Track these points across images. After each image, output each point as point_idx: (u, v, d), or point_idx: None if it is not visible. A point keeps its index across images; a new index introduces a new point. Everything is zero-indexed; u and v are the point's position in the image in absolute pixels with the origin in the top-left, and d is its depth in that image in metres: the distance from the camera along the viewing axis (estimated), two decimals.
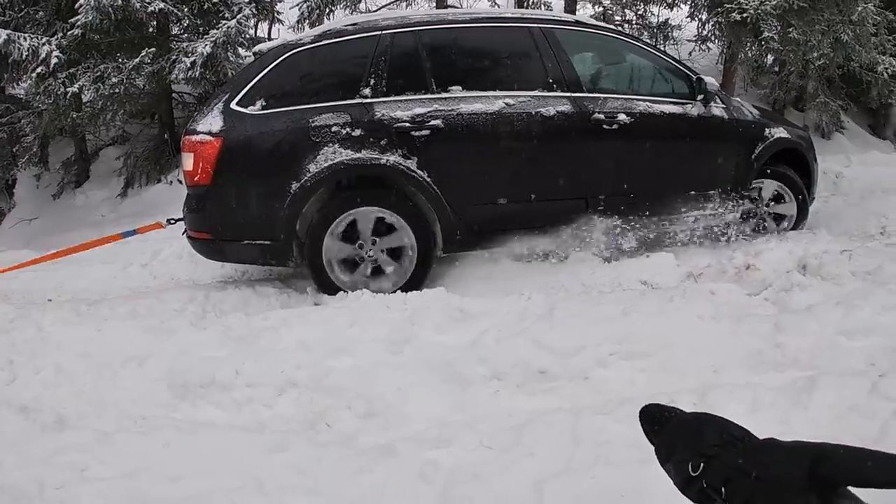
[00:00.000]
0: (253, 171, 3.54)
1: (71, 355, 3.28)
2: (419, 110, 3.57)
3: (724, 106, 4.26)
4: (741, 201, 4.30)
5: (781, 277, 3.19)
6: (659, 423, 1.17)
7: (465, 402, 2.33)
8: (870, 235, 4.40)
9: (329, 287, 3.56)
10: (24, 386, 3.17)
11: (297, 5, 9.02)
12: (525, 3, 8.05)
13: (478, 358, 2.45)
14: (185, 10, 8.54)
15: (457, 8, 8.59)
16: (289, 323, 2.96)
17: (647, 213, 3.98)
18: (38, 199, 10.71)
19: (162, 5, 7.96)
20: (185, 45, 7.63)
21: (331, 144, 3.49)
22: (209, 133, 3.50)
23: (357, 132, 3.51)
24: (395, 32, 3.70)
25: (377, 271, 3.60)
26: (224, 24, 7.15)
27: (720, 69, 8.08)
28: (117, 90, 7.42)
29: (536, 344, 2.46)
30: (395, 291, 3.46)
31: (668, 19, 8.49)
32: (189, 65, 6.86)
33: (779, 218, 4.51)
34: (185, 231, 3.89)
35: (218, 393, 2.61)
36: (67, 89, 7.99)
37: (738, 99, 4.78)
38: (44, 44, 7.99)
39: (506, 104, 3.67)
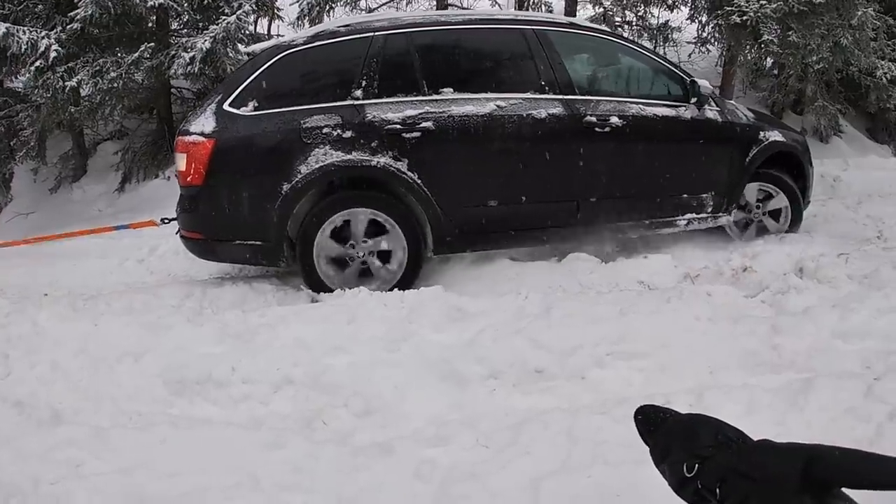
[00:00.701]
0: (245, 172, 3.56)
1: (67, 351, 3.27)
2: (410, 112, 3.58)
3: (718, 109, 4.26)
4: (734, 204, 4.31)
5: (778, 280, 3.20)
6: (654, 423, 1.18)
7: (463, 401, 2.33)
8: (866, 239, 4.42)
9: (319, 286, 3.58)
10: (19, 381, 3.16)
11: (297, 2, 9.01)
12: (525, 5, 8.03)
13: (475, 357, 2.45)
14: (185, 5, 8.54)
15: (455, 8, 8.60)
16: (286, 320, 2.95)
17: (640, 215, 4.04)
18: (35, 193, 10.68)
19: (162, 0, 7.96)
20: (184, 40, 7.62)
21: (322, 146, 3.50)
22: (202, 134, 3.53)
23: (348, 134, 3.52)
24: (387, 34, 3.71)
25: (367, 272, 3.63)
26: (224, 20, 7.13)
27: (719, 71, 8.09)
28: (116, 85, 7.40)
29: (533, 343, 2.46)
30: (398, 284, 3.53)
31: (668, 21, 8.48)
32: (188, 60, 6.83)
33: (775, 214, 4.51)
34: (179, 231, 3.91)
35: (214, 389, 2.61)
36: (66, 83, 7.96)
37: (732, 102, 4.79)
38: (43, 37, 7.96)
39: (497, 106, 3.68)
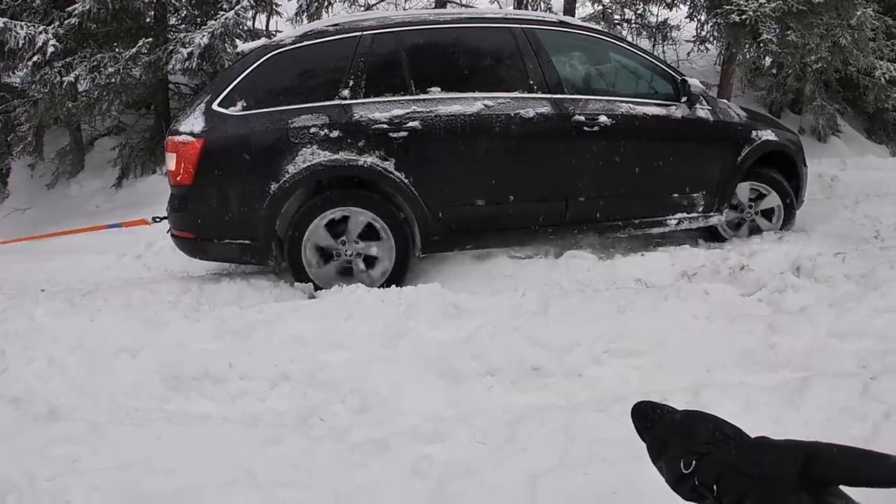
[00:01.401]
0: (233, 171, 3.57)
1: (64, 346, 3.26)
2: (397, 112, 3.59)
3: (709, 108, 4.23)
4: (726, 204, 4.30)
5: (775, 279, 3.20)
6: (651, 420, 1.18)
7: (460, 398, 2.33)
8: (864, 239, 4.42)
9: (304, 279, 3.62)
10: (15, 377, 3.14)
11: None
12: (524, 3, 8.02)
13: (472, 354, 2.45)
14: (183, 0, 8.52)
15: (452, 7, 8.59)
16: (283, 316, 2.94)
17: (629, 215, 4.04)
18: (32, 189, 10.65)
19: None
20: (182, 35, 7.59)
21: (309, 146, 3.52)
22: (191, 134, 3.55)
23: (335, 133, 3.53)
24: (375, 34, 3.72)
25: (349, 270, 3.64)
26: (222, 16, 7.11)
27: (718, 70, 8.10)
28: (113, 80, 7.37)
29: (531, 340, 2.46)
30: (388, 281, 3.55)
31: (667, 19, 8.48)
32: (186, 56, 6.80)
33: (768, 213, 4.50)
34: (169, 230, 3.92)
35: (211, 385, 2.60)
36: (63, 78, 7.93)
37: (724, 101, 4.77)
38: (40, 32, 7.93)
39: (485, 105, 3.68)
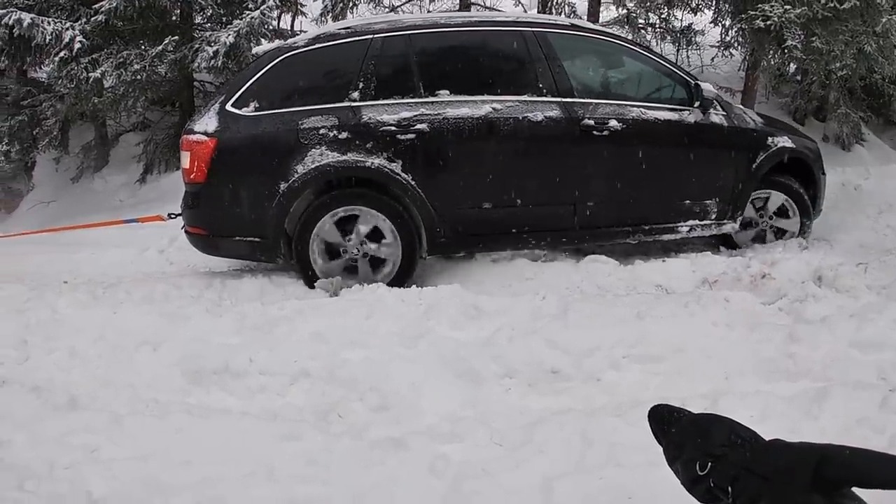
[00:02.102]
0: (245, 170, 3.65)
1: (85, 338, 3.31)
2: (405, 114, 3.62)
3: (724, 113, 4.16)
4: (739, 211, 4.23)
5: (796, 288, 3.17)
6: (668, 423, 1.19)
7: (478, 399, 2.34)
8: (886, 249, 4.35)
9: (311, 276, 3.66)
10: (36, 366, 3.20)
11: None
12: (549, 6, 8.01)
13: (491, 355, 2.46)
14: None
15: (477, 9, 8.60)
16: (304, 313, 2.97)
17: (640, 220, 4.01)
18: (56, 183, 10.82)
19: None
20: (207, 34, 7.67)
21: (318, 146, 3.57)
22: (205, 133, 3.64)
23: (344, 135, 3.58)
24: (385, 37, 3.74)
25: (354, 269, 3.70)
26: (248, 15, 7.17)
27: (742, 76, 8.03)
28: (139, 77, 7.47)
29: (550, 344, 2.47)
30: (393, 281, 3.58)
31: (691, 24, 8.40)
32: (212, 54, 6.86)
33: (780, 232, 4.43)
34: (183, 226, 4.00)
35: (231, 380, 2.63)
36: (89, 74, 8.04)
37: (740, 106, 4.70)
38: (67, 28, 8.04)
39: (493, 109, 3.69)
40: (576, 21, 4.92)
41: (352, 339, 2.71)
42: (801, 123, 7.56)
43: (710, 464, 1.03)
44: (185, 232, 3.98)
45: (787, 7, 6.20)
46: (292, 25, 9.37)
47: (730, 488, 0.98)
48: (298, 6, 9.27)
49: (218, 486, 2.09)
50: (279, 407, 2.46)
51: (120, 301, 3.64)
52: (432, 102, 3.67)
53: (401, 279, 3.61)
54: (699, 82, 4.08)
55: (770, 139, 4.26)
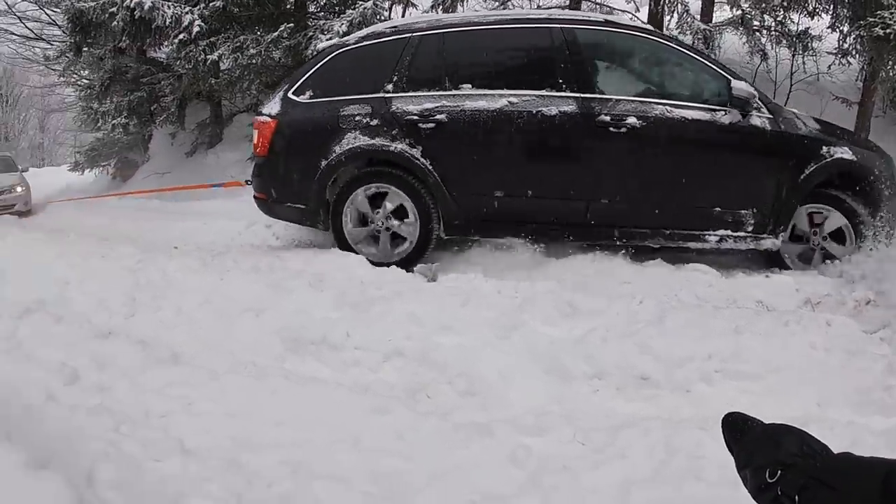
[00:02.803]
0: (296, 148, 4.18)
1: (191, 300, 3.53)
2: (428, 105, 3.94)
3: (769, 116, 3.82)
4: (782, 226, 3.85)
5: None
6: (740, 430, 1.20)
7: (564, 396, 2.34)
8: None
9: (346, 249, 4.09)
10: (143, 322, 3.45)
11: None
12: (661, 5, 7.79)
13: (583, 355, 2.45)
14: None
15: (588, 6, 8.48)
16: (402, 296, 3.06)
17: (658, 223, 3.85)
18: (171, 156, 11.58)
19: None
20: (321, 22, 7.95)
21: (353, 131, 4.02)
22: (269, 115, 4.22)
23: (374, 122, 4.00)
24: (423, 34, 4.09)
25: (376, 239, 4.11)
26: (361, 5, 7.38)
27: (859, 87, 7.55)
28: (254, 61, 7.82)
29: (643, 349, 2.44)
30: (398, 262, 3.92)
31: (808, 28, 7.97)
32: (325, 42, 7.12)
33: (830, 256, 3.94)
34: (253, 192, 4.53)
35: (328, 352, 2.75)
36: (207, 57, 8.50)
37: (794, 110, 4.15)
38: (186, 12, 8.54)
39: (509, 102, 3.85)
40: (612, 17, 4.70)
41: (446, 324, 2.77)
42: None
43: (779, 472, 1.04)
44: (254, 197, 4.50)
45: None
46: (403, 16, 9.56)
47: (797, 497, 0.98)
48: None
49: (305, 449, 2.19)
50: (371, 381, 2.56)
51: (227, 269, 3.86)
52: (453, 95, 3.94)
53: (416, 256, 3.97)
54: (733, 80, 3.81)
55: (825, 148, 3.83)
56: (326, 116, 4.10)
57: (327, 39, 6.96)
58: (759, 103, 3.80)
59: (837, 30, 7.62)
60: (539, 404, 2.30)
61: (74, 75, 15.21)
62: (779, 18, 7.98)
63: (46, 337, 3.37)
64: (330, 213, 4.11)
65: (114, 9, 9.01)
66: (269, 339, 2.92)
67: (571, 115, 3.79)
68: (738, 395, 2.45)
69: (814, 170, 3.79)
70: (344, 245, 4.11)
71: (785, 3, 7.65)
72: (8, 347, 3.34)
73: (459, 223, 4.02)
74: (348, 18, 7.26)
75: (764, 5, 7.76)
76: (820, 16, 7.82)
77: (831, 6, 7.52)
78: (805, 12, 7.80)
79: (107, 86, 11.65)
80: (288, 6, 9.03)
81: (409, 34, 4.12)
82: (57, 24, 15.71)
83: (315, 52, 4.73)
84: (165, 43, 9.77)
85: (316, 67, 4.31)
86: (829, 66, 7.77)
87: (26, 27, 17.55)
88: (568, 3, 8.68)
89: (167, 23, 8.60)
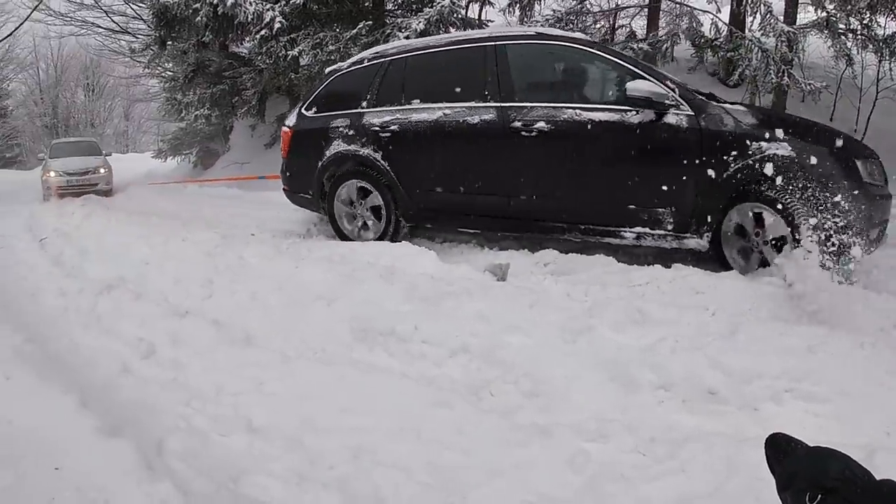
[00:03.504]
0: (304, 151, 5.35)
1: (266, 286, 3.69)
2: (387, 118, 4.83)
3: (690, 114, 3.69)
4: (706, 226, 3.71)
5: None
6: (783, 451, 1.19)
7: (628, 405, 2.32)
8: None
9: (339, 233, 5.20)
10: (219, 304, 3.63)
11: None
12: (744, 6, 7.56)
13: (650, 364, 2.42)
14: None
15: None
16: (471, 293, 3.10)
17: (574, 218, 4.10)
18: (250, 147, 12.01)
19: None
20: (399, 20, 8.08)
21: (337, 139, 5.08)
22: (288, 126, 5.52)
23: (351, 132, 5.01)
24: (392, 59, 4.95)
25: (364, 225, 5.10)
26: (438, 4, 7.46)
27: None
28: (333, 57, 8.02)
29: (712, 363, 2.39)
30: (377, 240, 4.77)
31: (895, 33, 7.58)
32: (403, 39, 7.23)
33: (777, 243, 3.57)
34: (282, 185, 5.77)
35: (395, 343, 2.82)
36: (287, 52, 8.79)
37: (728, 106, 3.82)
38: (268, 9, 8.83)
39: (443, 114, 4.53)
40: (542, 29, 4.79)
41: (513, 324, 2.78)
42: None
43: (820, 496, 1.03)
44: (283, 189, 5.74)
45: None
46: (479, 15, 9.62)
47: None
48: None
49: (367, 435, 2.26)
50: (435, 376, 2.61)
51: (301, 258, 4.01)
52: (405, 109, 4.75)
53: (388, 234, 4.91)
54: (629, 81, 3.78)
55: (754, 145, 3.56)
56: (322, 128, 5.19)
57: (405, 37, 7.13)
58: (679, 100, 3.74)
59: None
60: (602, 411, 2.29)
61: (159, 68, 15.89)
62: (865, 21, 7.60)
63: (125, 313, 3.63)
64: (326, 200, 5.22)
65: (197, 4, 9.39)
66: (338, 327, 3.03)
67: (490, 123, 4.30)
68: (805, 417, 2.37)
69: (738, 167, 3.59)
70: (335, 225, 5.24)
71: (872, 5, 7.28)
72: (88, 321, 3.58)
73: (413, 213, 4.83)
74: (426, 17, 7.36)
75: (849, 7, 7.41)
76: None
77: None
78: (893, 15, 7.42)
79: (190, 78, 12.17)
80: (366, 4, 9.19)
81: (383, 59, 5.02)
82: (142, 19, 16.47)
83: (325, 74, 5.64)
84: (247, 38, 10.13)
85: (321, 88, 5.43)
86: None
87: (112, 21, 18.52)
88: (648, 2, 8.54)
89: (249, 19, 8.93)
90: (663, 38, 8.26)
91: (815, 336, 2.54)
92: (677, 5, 8.78)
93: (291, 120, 5.50)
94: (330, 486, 2.02)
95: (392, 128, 4.77)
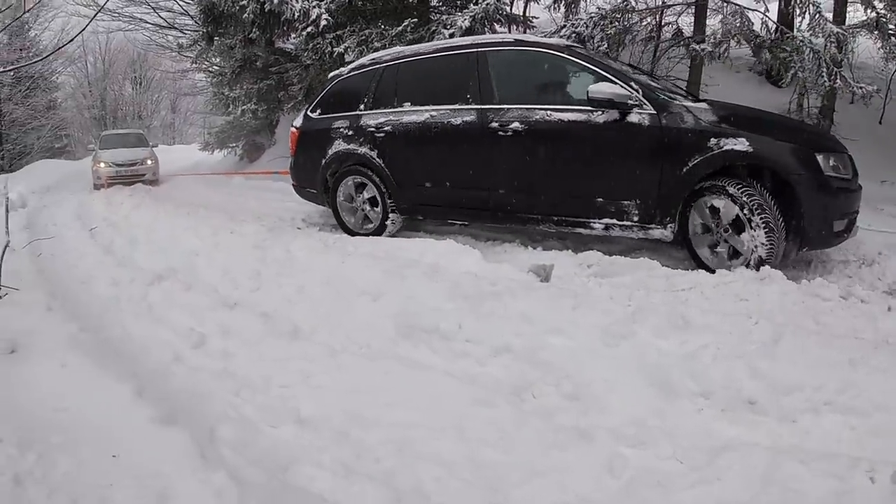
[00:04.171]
0: (309, 150, 5.86)
1: (313, 279, 3.79)
2: (381, 119, 5.29)
3: (652, 113, 3.97)
4: (669, 217, 3.98)
5: None
6: None
7: (667, 411, 2.35)
8: None
9: (343, 226, 5.68)
10: (266, 296, 3.73)
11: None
12: (792, 5, 7.39)
13: (690, 371, 2.44)
14: None
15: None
16: (515, 293, 3.14)
17: (548, 211, 4.42)
18: None
19: None
20: (444, 17, 8.09)
21: (338, 139, 5.56)
22: (296, 127, 6.07)
23: (350, 132, 5.48)
24: (386, 65, 5.42)
25: (366, 218, 5.57)
26: (483, 1, 7.44)
27: None
28: None
29: (753, 373, 2.40)
30: (375, 231, 5.37)
31: None
32: (448, 36, 7.23)
33: (734, 252, 3.84)
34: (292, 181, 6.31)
35: (438, 341, 2.89)
36: (333, 49, 8.86)
37: (689, 104, 4.07)
38: (314, 6, 8.90)
39: (430, 115, 4.95)
40: (520, 36, 5.26)
41: (556, 326, 2.82)
42: None
43: None
44: (292, 185, 6.27)
45: None
46: (524, 11, 9.58)
47: None
48: None
49: (411, 430, 2.33)
50: (478, 374, 2.67)
51: (348, 253, 4.10)
52: (397, 111, 5.21)
53: (383, 226, 5.36)
54: (591, 84, 4.08)
55: (713, 140, 3.78)
56: (325, 129, 5.68)
57: (449, 35, 7.17)
58: (642, 100, 4.00)
59: None
60: (641, 416, 2.32)
61: (206, 62, 16.17)
62: None
63: (176, 303, 3.77)
64: (329, 194, 5.69)
65: (244, 1, 9.50)
66: (383, 322, 3.11)
67: (471, 123, 4.70)
68: (843, 431, 2.35)
69: (697, 162, 3.82)
70: (338, 217, 5.70)
71: None
72: (139, 311, 3.73)
73: (406, 206, 5.24)
74: (471, 14, 7.34)
75: None
76: None
77: None
78: None
79: (237, 73, 12.34)
80: (411, 1, 9.23)
81: (379, 65, 5.47)
82: (189, 15, 16.77)
83: (329, 78, 6.12)
84: (293, 34, 10.24)
85: (325, 91, 5.95)
86: None
87: (160, 17, 18.94)
88: (695, 1, 8.40)
89: (295, 16, 9.01)
90: (717, 37, 8.09)
91: (859, 349, 2.53)
92: (725, 3, 8.61)
93: (299, 121, 6.08)
94: (376, 478, 2.10)
95: (386, 128, 5.22)
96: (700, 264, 3.98)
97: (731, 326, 2.66)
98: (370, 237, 5.16)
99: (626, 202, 4.12)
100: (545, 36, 6.45)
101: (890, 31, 7.29)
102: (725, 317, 2.78)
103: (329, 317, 3.35)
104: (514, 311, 2.97)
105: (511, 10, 9.02)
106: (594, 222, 4.26)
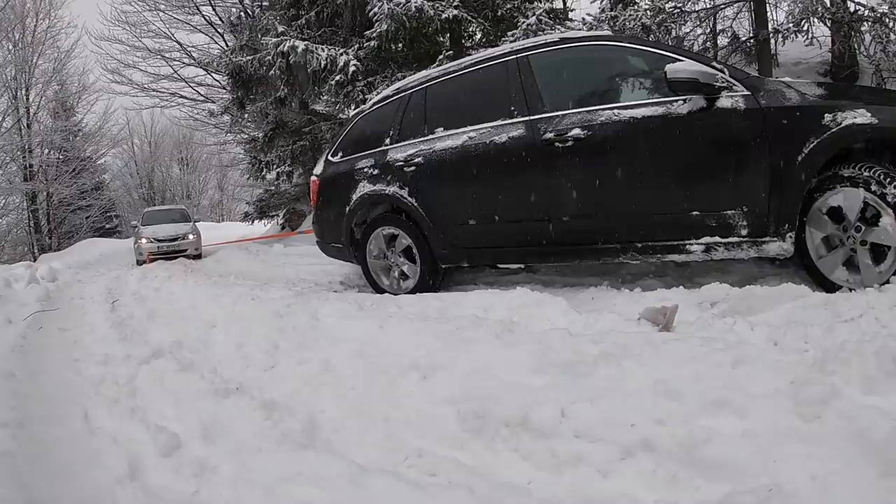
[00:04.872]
0: (331, 198, 5.14)
1: (343, 351, 2.89)
2: (410, 151, 4.50)
3: (745, 94, 3.20)
4: (788, 224, 3.11)
5: None
6: None
7: None
8: None
9: (376, 288, 4.81)
10: (280, 377, 2.87)
11: (588, 15, 8.56)
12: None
13: None
14: (478, 17, 8.57)
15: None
16: (634, 352, 2.10)
17: (627, 237, 3.52)
18: None
19: (455, 12, 8.00)
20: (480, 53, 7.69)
21: (363, 181, 4.79)
22: (316, 175, 5.39)
23: (376, 171, 4.71)
24: (413, 91, 4.69)
25: (402, 275, 4.68)
26: (513, 35, 6.94)
27: None
28: None
29: None
30: (412, 292, 4.42)
31: None
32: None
33: (878, 252, 2.90)
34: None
35: (531, 439, 1.84)
36: (366, 97, 8.45)
37: (783, 80, 3.33)
38: (341, 54, 8.66)
39: (469, 138, 4.14)
40: (567, 33, 4.36)
41: (716, 398, 1.79)
42: None
43: None
44: (316, 242, 5.54)
45: None
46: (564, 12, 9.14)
47: None
48: (568, 20, 8.90)
49: None
50: (602, 493, 1.62)
51: (389, 314, 3.14)
52: (428, 139, 4.42)
53: (426, 284, 4.45)
54: (671, 64, 3.27)
55: (828, 116, 3.01)
56: (347, 171, 4.93)
57: None
58: (731, 81, 3.25)
59: None
60: None
61: (240, 130, 16.46)
62: None
63: (164, 387, 2.90)
64: (357, 248, 4.93)
65: (269, 58, 9.35)
66: (439, 411, 2.08)
67: (520, 139, 3.88)
68: None
69: (813, 147, 3.03)
70: (369, 277, 4.85)
71: None
72: (119, 396, 2.85)
73: (448, 253, 4.34)
74: (511, 42, 6.92)
75: None
76: None
77: None
78: None
79: (270, 138, 12.39)
80: (442, 40, 8.82)
81: (405, 92, 4.76)
82: (222, 86, 17.08)
83: (349, 118, 5.59)
84: (324, 88, 9.93)
85: (346, 131, 5.26)
86: None
87: (196, 91, 19.37)
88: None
89: (322, 65, 8.79)
90: (787, 25, 7.23)
91: None
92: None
93: (319, 168, 5.38)
94: None
95: (416, 160, 4.44)
96: (831, 289, 3.03)
97: None
98: (416, 294, 4.24)
99: (729, 211, 3.26)
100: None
101: None
102: None
103: (361, 405, 2.39)
104: (644, 379, 1.94)
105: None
106: (691, 244, 3.35)
